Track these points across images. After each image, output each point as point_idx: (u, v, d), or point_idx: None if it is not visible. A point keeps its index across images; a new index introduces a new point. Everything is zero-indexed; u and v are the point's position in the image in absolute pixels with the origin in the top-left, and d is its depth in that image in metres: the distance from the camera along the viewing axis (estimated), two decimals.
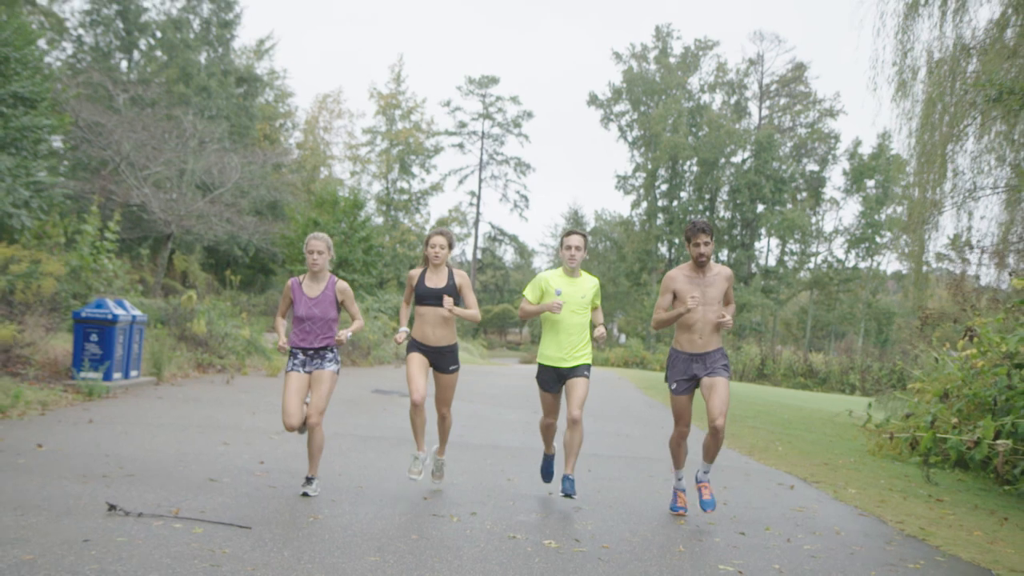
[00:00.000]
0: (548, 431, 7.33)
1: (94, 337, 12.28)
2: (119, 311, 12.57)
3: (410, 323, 7.15)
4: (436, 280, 7.01)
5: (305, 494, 6.47)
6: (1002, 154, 15.82)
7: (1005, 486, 9.97)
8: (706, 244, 6.71)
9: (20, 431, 8.35)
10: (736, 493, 8.20)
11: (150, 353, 14.25)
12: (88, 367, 11.86)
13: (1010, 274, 13.21)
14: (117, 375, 12.53)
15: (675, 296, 6.86)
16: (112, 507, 5.45)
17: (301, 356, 6.79)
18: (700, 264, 6.79)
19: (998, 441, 9.44)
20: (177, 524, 5.24)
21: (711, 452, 6.82)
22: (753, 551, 5.78)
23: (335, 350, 6.87)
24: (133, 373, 13.19)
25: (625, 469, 9.18)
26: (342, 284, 6.97)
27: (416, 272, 7.14)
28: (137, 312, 13.24)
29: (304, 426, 6.71)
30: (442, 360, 7.06)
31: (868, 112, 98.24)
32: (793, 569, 5.38)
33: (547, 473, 7.43)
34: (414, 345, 7.05)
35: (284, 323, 7.02)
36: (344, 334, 6.77)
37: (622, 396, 19.63)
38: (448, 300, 6.87)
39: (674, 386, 6.86)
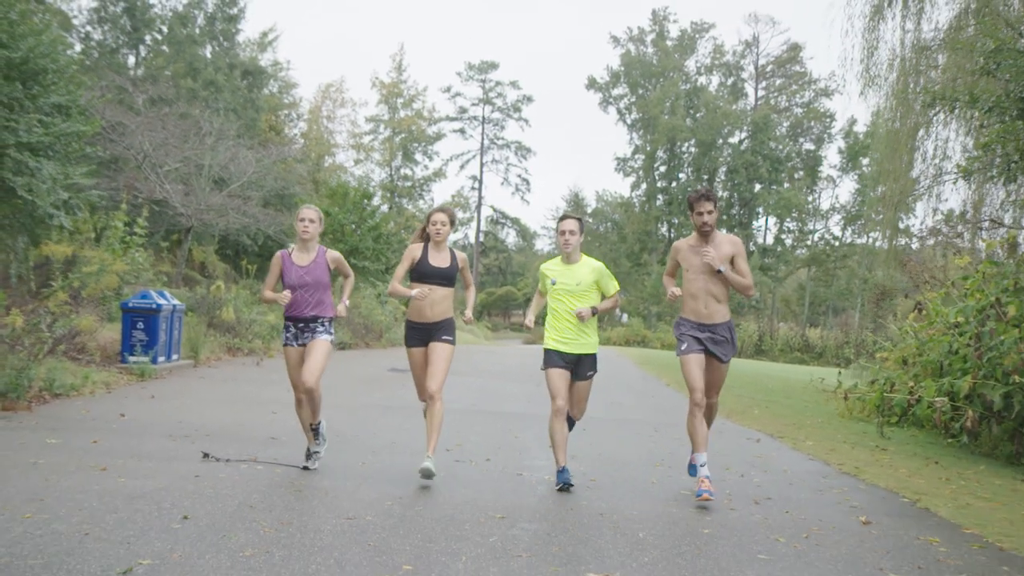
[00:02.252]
0: (558, 430, 6.83)
1: (140, 325, 13.71)
2: (162, 301, 14.02)
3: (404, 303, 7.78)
4: (439, 260, 6.90)
5: (305, 468, 6.87)
6: (961, 143, 17.27)
7: (949, 439, 11.45)
8: (709, 212, 6.65)
9: (99, 406, 9.84)
10: (714, 450, 9.66)
11: (187, 339, 15.71)
12: (140, 352, 13.31)
13: (954, 253, 14.64)
14: (161, 359, 13.98)
15: (679, 265, 6.93)
16: (206, 455, 6.99)
17: (293, 329, 6.88)
18: (704, 233, 6.72)
19: (936, 399, 10.91)
20: (259, 467, 6.74)
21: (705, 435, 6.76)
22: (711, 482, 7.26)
23: (327, 322, 6.92)
24: (174, 357, 14.65)
25: (615, 429, 10.63)
26: (334, 252, 7.01)
27: (417, 248, 7.00)
28: (177, 302, 14.72)
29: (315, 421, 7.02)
30: (436, 331, 6.92)
31: (851, 103, 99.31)
32: (739, 493, 6.87)
33: (565, 481, 6.72)
34: (411, 329, 6.98)
35: (271, 294, 6.91)
36: (343, 307, 6.97)
37: (619, 371, 21.06)
38: (467, 315, 7.14)
39: (684, 346, 6.74)
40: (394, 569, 4.35)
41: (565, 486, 6.61)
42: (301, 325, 6.87)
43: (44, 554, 4.25)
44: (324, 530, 5.03)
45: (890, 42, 16.80)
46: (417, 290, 6.81)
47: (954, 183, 15.30)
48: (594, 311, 6.86)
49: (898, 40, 16.67)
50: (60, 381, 10.33)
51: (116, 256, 17.07)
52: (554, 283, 6.95)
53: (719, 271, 6.66)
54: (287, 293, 6.73)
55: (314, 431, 7.03)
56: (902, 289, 16.55)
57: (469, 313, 7.24)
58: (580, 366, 6.94)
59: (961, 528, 6.06)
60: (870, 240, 64.10)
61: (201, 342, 16.05)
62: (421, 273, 6.89)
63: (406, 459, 7.44)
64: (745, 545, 5.24)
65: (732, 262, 6.73)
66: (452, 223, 6.99)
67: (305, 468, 6.85)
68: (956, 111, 12.84)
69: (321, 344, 6.84)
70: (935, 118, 17.78)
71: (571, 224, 6.93)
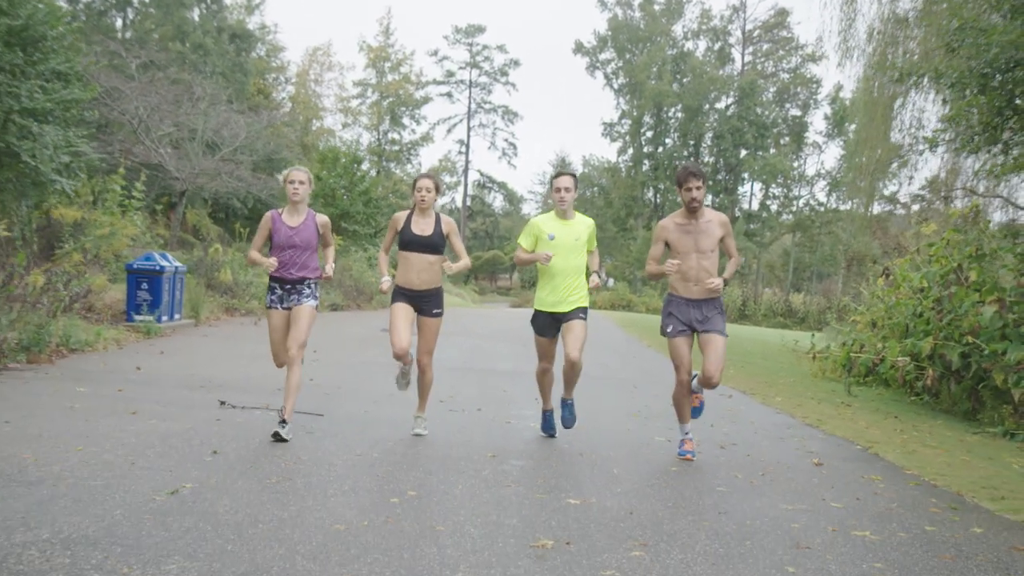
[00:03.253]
0: (545, 379, 7.26)
1: (145, 286, 14.30)
2: (164, 263, 14.61)
3: (393, 267, 7.28)
4: (423, 226, 6.85)
5: (277, 435, 6.35)
6: (937, 112, 17.93)
7: (913, 397, 12.21)
8: (698, 189, 6.51)
9: (114, 360, 10.48)
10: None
11: (188, 299, 16.31)
12: (146, 311, 13.92)
13: (919, 222, 15.34)
14: (165, 318, 14.59)
15: (667, 245, 6.74)
16: (223, 402, 7.67)
17: (279, 291, 6.77)
18: (692, 210, 6.59)
19: (899, 359, 11.65)
20: (271, 412, 7.40)
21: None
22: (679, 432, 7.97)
23: (313, 285, 6.82)
24: (177, 316, 15.27)
25: (599, 387, 11.31)
26: (323, 217, 6.91)
27: (401, 216, 6.96)
28: (178, 264, 15.32)
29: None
30: (426, 304, 6.91)
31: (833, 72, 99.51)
32: (707, 440, 7.56)
33: (549, 427, 7.38)
34: (399, 293, 6.91)
35: (258, 254, 6.90)
36: (329, 269, 6.90)
37: (604, 334, 21.77)
38: (448, 265, 6.85)
39: (669, 329, 6.72)
40: (401, 494, 5.03)
41: (549, 435, 7.11)
42: (288, 287, 6.75)
43: (101, 477, 4.92)
44: (337, 464, 5.71)
45: (868, 15, 17.40)
46: (385, 279, 6.95)
47: (921, 154, 15.94)
48: (603, 281, 7.12)
49: (875, 13, 17.25)
50: (75, 337, 10.97)
51: (115, 218, 17.62)
52: (552, 237, 6.88)
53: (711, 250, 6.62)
54: (274, 260, 6.63)
55: (282, 422, 6.46)
56: (873, 255, 17.23)
57: (450, 264, 6.89)
58: (573, 312, 6.91)
59: (903, 470, 6.78)
60: (853, 206, 65.15)
61: (201, 302, 16.67)
62: (404, 241, 6.86)
63: (404, 409, 8.08)
64: (707, 480, 5.94)
65: (722, 241, 6.67)
66: (438, 189, 6.94)
67: (277, 437, 6.34)
68: (924, 84, 13.45)
69: (307, 310, 6.71)
70: (912, 89, 18.41)
71: (567, 180, 6.94)
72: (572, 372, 6.97)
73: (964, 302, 11.03)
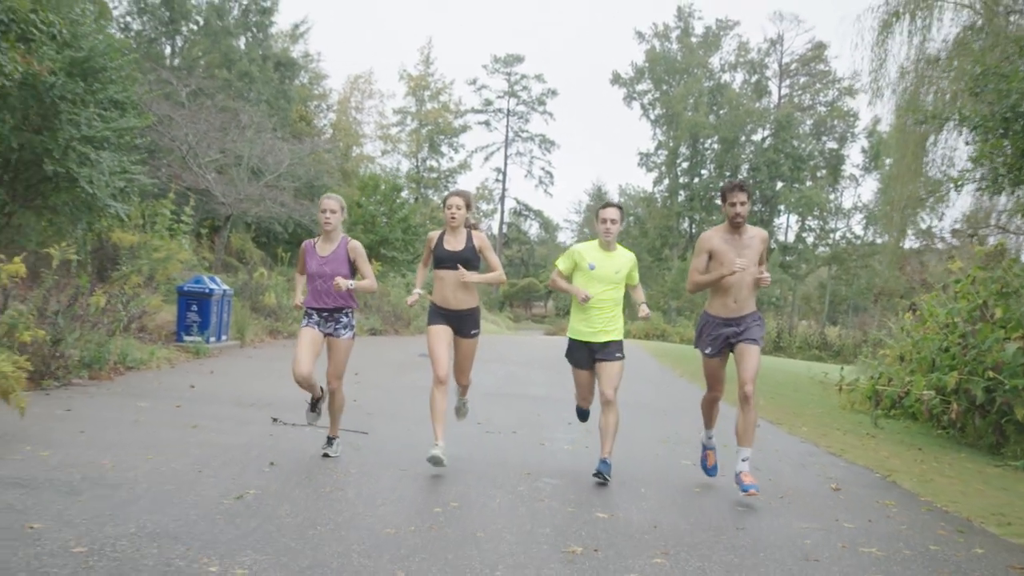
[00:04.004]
0: (585, 402, 7.31)
1: (194, 307, 14.89)
2: (213, 286, 15.21)
3: (430, 287, 7.26)
4: (455, 243, 6.80)
5: (326, 455, 6.83)
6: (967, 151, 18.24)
7: (939, 431, 12.47)
8: (743, 204, 6.46)
9: (169, 378, 11.04)
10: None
11: (234, 321, 16.91)
12: (196, 331, 14.50)
13: (949, 258, 15.62)
14: (212, 339, 15.16)
15: (711, 256, 6.64)
16: (275, 419, 8.17)
17: (316, 316, 6.81)
18: (736, 225, 6.54)
19: (924, 392, 11.94)
20: (321, 430, 7.87)
21: (745, 431, 6.64)
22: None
23: (350, 314, 6.88)
24: (224, 337, 15.85)
25: (630, 412, 11.61)
26: (355, 243, 6.89)
27: (435, 234, 6.95)
28: (226, 287, 15.92)
29: (318, 394, 7.09)
30: (463, 324, 6.91)
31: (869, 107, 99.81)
32: (731, 465, 7.94)
33: (583, 414, 7.46)
34: (435, 312, 6.92)
35: (301, 280, 7.10)
36: (345, 282, 6.63)
37: (637, 363, 22.08)
38: (463, 272, 6.72)
39: (708, 350, 6.72)
40: (444, 505, 5.49)
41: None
42: (325, 315, 6.80)
43: (173, 482, 5.43)
44: (383, 477, 6.18)
45: (898, 56, 17.78)
46: (413, 296, 7.15)
47: (946, 194, 16.25)
48: (647, 310, 6.96)
49: (904, 54, 17.64)
50: (131, 356, 11.56)
51: (168, 242, 18.29)
52: (593, 267, 6.80)
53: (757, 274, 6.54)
54: (299, 300, 6.96)
55: (313, 404, 7.16)
56: (900, 290, 17.52)
57: (474, 274, 6.79)
58: (608, 348, 6.83)
59: (918, 496, 7.14)
60: (886, 240, 64.95)
61: (247, 325, 17.26)
62: (438, 258, 6.83)
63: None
64: (728, 500, 6.34)
65: (759, 255, 6.58)
66: (468, 207, 6.87)
67: (326, 455, 6.84)
68: (949, 127, 13.82)
69: (345, 344, 6.83)
70: (943, 127, 18.74)
71: (613, 212, 6.83)
72: (609, 417, 6.76)
73: (988, 338, 11.32)
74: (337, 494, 5.57)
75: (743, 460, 6.53)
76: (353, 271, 6.83)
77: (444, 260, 6.79)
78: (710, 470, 7.18)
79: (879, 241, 63.22)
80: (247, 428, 7.74)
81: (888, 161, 62.43)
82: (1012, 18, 16.34)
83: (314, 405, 7.21)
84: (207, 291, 14.89)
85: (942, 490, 7.46)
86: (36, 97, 13.64)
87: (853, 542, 5.31)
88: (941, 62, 17.90)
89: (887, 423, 13.00)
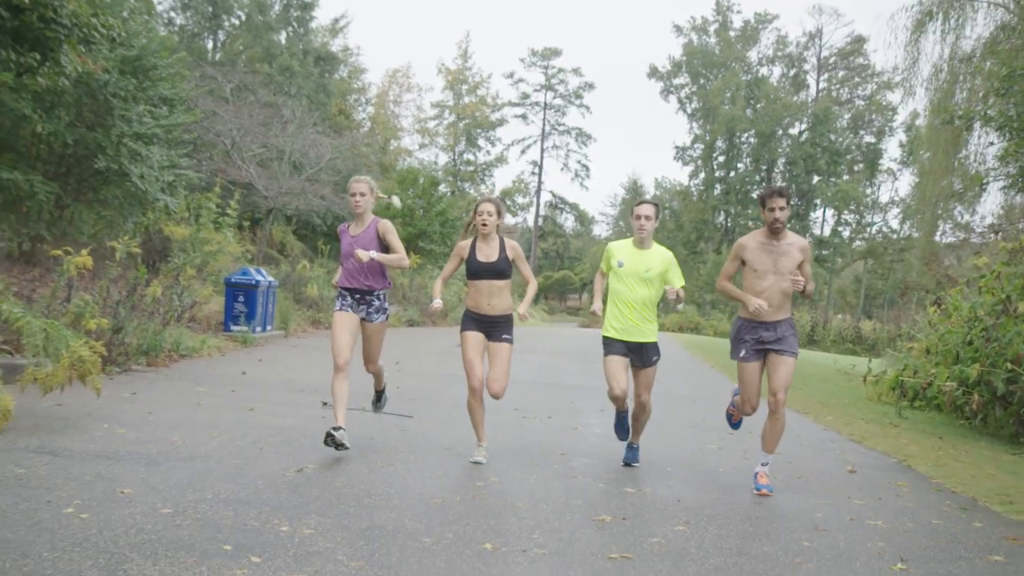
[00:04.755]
0: (618, 402, 6.95)
1: (241, 298, 15.52)
2: (259, 277, 15.83)
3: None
4: (488, 252, 6.72)
5: (377, 408, 7.66)
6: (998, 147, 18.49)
7: (962, 421, 12.81)
8: (782, 209, 6.35)
9: (221, 365, 11.65)
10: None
11: (278, 312, 17.54)
12: (243, 322, 15.13)
13: (974, 254, 15.91)
14: (259, 328, 15.80)
15: (744, 263, 6.59)
16: (324, 403, 8.71)
17: (349, 298, 6.81)
18: (775, 231, 6.44)
19: (946, 384, 12.30)
20: (367, 414, 8.41)
21: (771, 438, 6.61)
22: (732, 440, 8.81)
23: (382, 297, 6.86)
24: (268, 328, 16.48)
25: (660, 401, 12.02)
26: (385, 222, 6.84)
27: (465, 244, 6.85)
28: (271, 278, 16.55)
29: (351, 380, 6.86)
30: (495, 330, 6.79)
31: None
32: (754, 449, 8.37)
33: (622, 430, 7.17)
34: (469, 319, 6.85)
35: None
36: (366, 253, 6.58)
37: (668, 356, 22.45)
38: (522, 313, 6.90)
39: (742, 353, 6.58)
40: (485, 479, 6.01)
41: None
42: (357, 296, 6.79)
43: (239, 457, 6.00)
44: (429, 455, 6.72)
45: (931, 55, 18.04)
46: (435, 302, 6.93)
47: (973, 191, 16.51)
48: (677, 292, 6.67)
49: (938, 53, 17.90)
50: (184, 344, 12.18)
51: (219, 236, 18.95)
52: (621, 265, 6.75)
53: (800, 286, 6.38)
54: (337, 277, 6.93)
55: (377, 395, 7.55)
56: (927, 285, 17.83)
57: (524, 310, 6.92)
58: (643, 354, 6.82)
59: (930, 479, 7.56)
60: (920, 235, 64.61)
61: (290, 315, 17.89)
62: (472, 270, 6.75)
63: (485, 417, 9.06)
64: (747, 481, 6.78)
65: (800, 266, 6.47)
66: (499, 214, 6.75)
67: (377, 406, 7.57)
68: (977, 126, 14.12)
69: (379, 329, 6.88)
70: (975, 124, 18.98)
71: (648, 209, 6.77)
72: (642, 413, 6.93)
73: (1010, 331, 11.67)
74: (388, 469, 6.10)
75: (763, 464, 6.59)
76: (385, 250, 6.78)
77: (479, 272, 6.71)
78: (734, 424, 7.44)
79: (915, 235, 63.07)
80: (299, 411, 8.30)
81: (926, 156, 62.55)
82: None
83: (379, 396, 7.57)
84: (254, 283, 15.51)
85: (954, 474, 7.87)
86: (90, 94, 14.23)
87: (860, 516, 5.77)
88: (974, 61, 18.13)
89: (912, 414, 13.35)
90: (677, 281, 6.76)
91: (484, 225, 6.68)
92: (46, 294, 10.77)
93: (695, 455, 7.88)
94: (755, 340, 6.51)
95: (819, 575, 4.42)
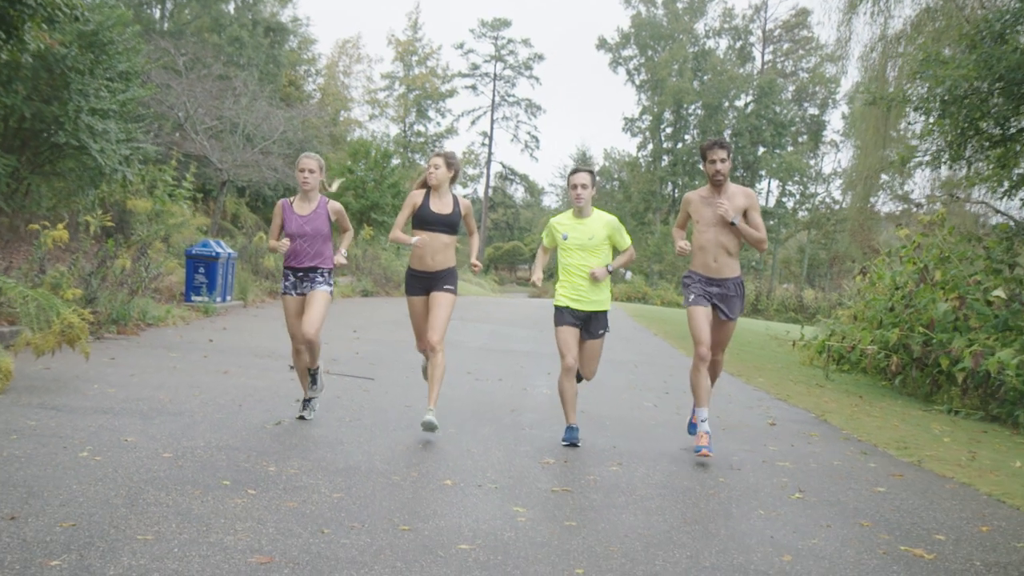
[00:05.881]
0: (568, 386, 6.75)
1: (201, 270, 16.03)
2: (219, 249, 16.34)
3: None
4: (441, 205, 6.72)
5: (302, 417, 6.81)
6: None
7: (884, 383, 13.80)
8: (722, 161, 6.40)
9: (187, 333, 12.24)
10: (677, 380, 11.98)
11: (237, 283, 18.06)
12: (205, 292, 15.67)
13: (897, 226, 16.92)
14: (219, 299, 16.34)
15: (690, 217, 6.71)
16: (291, 366, 9.34)
17: (292, 278, 6.80)
18: (716, 183, 6.49)
19: (868, 347, 13.27)
20: (332, 376, 9.10)
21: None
22: (667, 400, 9.64)
23: (326, 273, 6.82)
24: (228, 298, 17.01)
25: (603, 366, 12.95)
26: (335, 204, 6.88)
27: (419, 194, 6.80)
28: (231, 250, 17.07)
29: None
30: (438, 282, 6.76)
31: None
32: (686, 407, 9.19)
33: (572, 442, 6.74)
34: (411, 278, 6.88)
35: (280, 243, 6.78)
36: (341, 256, 6.81)
37: (614, 323, 23.35)
38: (476, 264, 7.11)
39: (691, 297, 6.57)
40: (444, 430, 6.74)
41: (571, 444, 6.62)
42: (300, 274, 6.78)
43: (222, 412, 6.69)
44: (390, 411, 7.45)
45: (862, 35, 18.99)
46: (417, 238, 6.68)
47: (902, 168, 17.49)
48: (609, 270, 6.69)
49: (868, 34, 18.83)
50: (150, 314, 12.73)
51: (169, 207, 19.39)
52: (566, 238, 6.71)
53: (732, 223, 6.43)
54: (286, 241, 6.70)
55: (312, 376, 6.97)
56: (852, 256, 18.88)
57: (476, 260, 7.07)
58: (591, 323, 6.77)
59: (840, 430, 8.45)
60: (868, 205, 66.61)
61: (248, 286, 18.43)
62: (422, 219, 6.70)
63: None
64: (678, 433, 7.60)
65: (745, 215, 6.51)
66: (450, 167, 6.76)
67: (302, 418, 6.80)
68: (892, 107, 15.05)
69: (320, 295, 6.73)
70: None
71: (583, 177, 6.67)
72: (576, 385, 6.82)
73: (925, 298, 12.64)
74: (355, 423, 6.82)
75: (702, 420, 6.49)
76: (334, 232, 6.91)
77: (430, 222, 6.68)
78: (699, 447, 6.40)
79: (857, 206, 64.79)
80: (268, 375, 8.97)
81: (864, 129, 64.21)
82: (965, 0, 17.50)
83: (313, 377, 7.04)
84: (214, 254, 16.02)
85: (862, 426, 8.77)
86: (46, 68, 14.56)
87: (772, 459, 6.62)
88: (903, 41, 19.09)
89: (839, 377, 14.31)
90: (624, 241, 6.77)
91: (432, 175, 6.70)
92: (19, 266, 11.27)
93: (632, 412, 8.69)
94: (705, 292, 6.56)
95: (729, 503, 5.24)
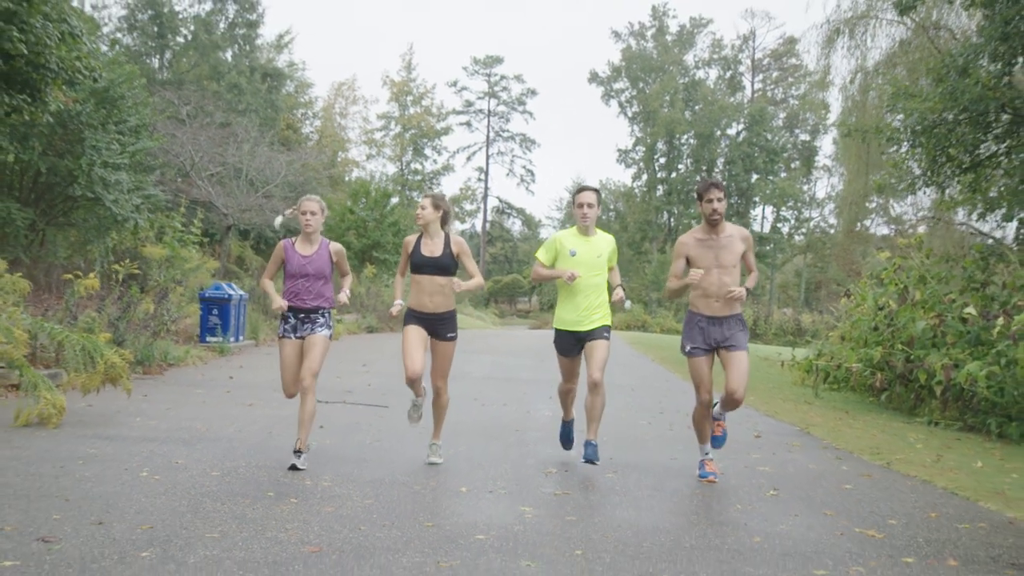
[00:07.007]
0: (567, 397, 7.21)
1: (215, 311, 16.77)
2: (231, 292, 17.09)
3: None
4: (432, 247, 6.72)
5: (294, 466, 6.33)
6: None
7: (871, 399, 14.48)
8: (719, 200, 6.40)
9: (207, 372, 12.96)
10: (671, 400, 12.67)
11: (248, 323, 18.79)
12: (220, 333, 16.40)
13: (878, 249, 17.68)
14: (232, 339, 17.06)
15: (688, 262, 6.62)
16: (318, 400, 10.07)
17: (292, 320, 6.76)
18: (713, 223, 6.48)
19: (853, 365, 13.97)
20: (348, 406, 9.80)
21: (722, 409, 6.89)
22: (660, 418, 10.34)
23: (327, 314, 6.79)
24: (241, 338, 17.75)
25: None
26: (337, 245, 6.89)
27: (412, 239, 6.85)
28: (243, 292, 17.82)
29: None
30: (440, 327, 6.79)
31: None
32: (680, 423, 9.92)
33: (567, 440, 7.43)
34: (411, 316, 6.80)
35: (272, 284, 6.92)
36: (343, 296, 6.77)
37: (614, 350, 24.07)
38: (456, 281, 6.69)
39: (688, 348, 6.64)
40: (456, 448, 7.46)
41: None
42: (302, 316, 6.73)
43: (255, 438, 7.42)
44: (407, 435, 8.15)
45: (840, 68, 19.86)
46: (397, 302, 6.87)
47: (873, 194, 18.30)
48: (623, 293, 6.90)
49: (847, 67, 19.73)
50: (171, 354, 13.46)
51: (176, 251, 20.13)
52: (574, 254, 6.75)
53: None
54: (285, 303, 6.68)
55: (297, 452, 6.45)
56: (836, 279, 19.63)
57: (458, 285, 6.71)
58: (595, 333, 6.84)
59: (821, 440, 9.14)
60: (860, 228, 67.43)
61: (259, 326, 19.16)
62: (415, 264, 6.73)
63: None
64: (668, 443, 8.33)
65: (743, 256, 6.59)
66: (437, 208, 6.76)
67: (294, 467, 6.35)
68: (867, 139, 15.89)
69: (320, 339, 6.69)
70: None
71: (590, 196, 6.78)
72: (596, 399, 6.82)
73: (905, 317, 13.37)
74: (376, 444, 7.56)
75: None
76: (332, 272, 6.88)
77: (422, 266, 6.70)
78: (704, 473, 6.77)
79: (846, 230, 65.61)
80: (291, 405, 9.57)
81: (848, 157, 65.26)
82: (939, 32, 18.39)
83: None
84: (226, 296, 16.77)
85: (843, 436, 9.47)
86: (61, 124, 15.37)
87: (753, 465, 7.33)
88: (880, 71, 19.96)
89: (828, 394, 14.99)
90: (613, 260, 6.95)
91: (418, 217, 6.75)
92: (55, 313, 12.01)
93: (628, 429, 9.39)
94: (705, 337, 6.58)
95: (711, 500, 5.96)
